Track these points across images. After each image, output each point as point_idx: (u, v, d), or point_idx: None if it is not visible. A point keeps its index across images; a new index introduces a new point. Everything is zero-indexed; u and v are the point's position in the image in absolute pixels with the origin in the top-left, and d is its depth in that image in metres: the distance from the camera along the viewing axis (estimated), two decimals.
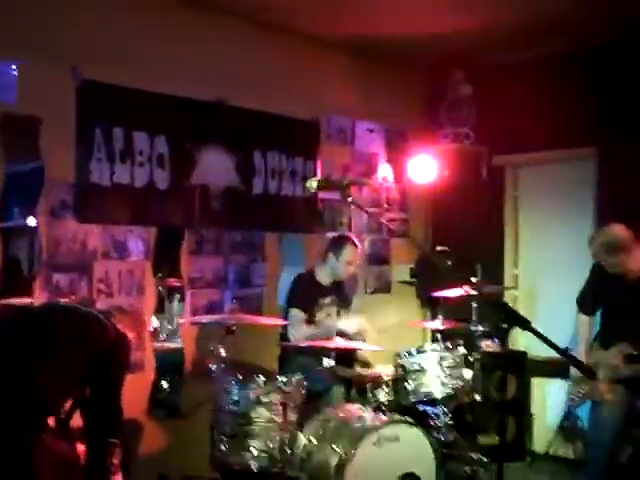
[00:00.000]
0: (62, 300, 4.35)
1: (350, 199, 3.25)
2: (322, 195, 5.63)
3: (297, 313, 5.00)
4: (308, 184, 3.38)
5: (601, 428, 4.61)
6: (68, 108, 4.45)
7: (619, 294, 4.49)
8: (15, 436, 3.17)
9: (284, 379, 4.25)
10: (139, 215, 4.78)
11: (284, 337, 5.04)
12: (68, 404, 3.68)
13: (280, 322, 4.93)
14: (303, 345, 4.74)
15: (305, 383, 4.35)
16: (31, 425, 3.26)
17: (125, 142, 4.67)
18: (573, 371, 4.62)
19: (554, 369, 5.87)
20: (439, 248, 6.42)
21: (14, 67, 4.21)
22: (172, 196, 4.90)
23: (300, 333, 4.93)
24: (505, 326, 2.86)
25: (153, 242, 4.87)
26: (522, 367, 5.97)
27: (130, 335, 3.66)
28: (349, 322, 5.05)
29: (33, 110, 4.29)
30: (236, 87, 5.12)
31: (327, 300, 5.17)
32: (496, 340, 5.65)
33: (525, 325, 2.81)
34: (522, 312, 6.36)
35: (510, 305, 2.96)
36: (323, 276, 5.19)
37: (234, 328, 4.28)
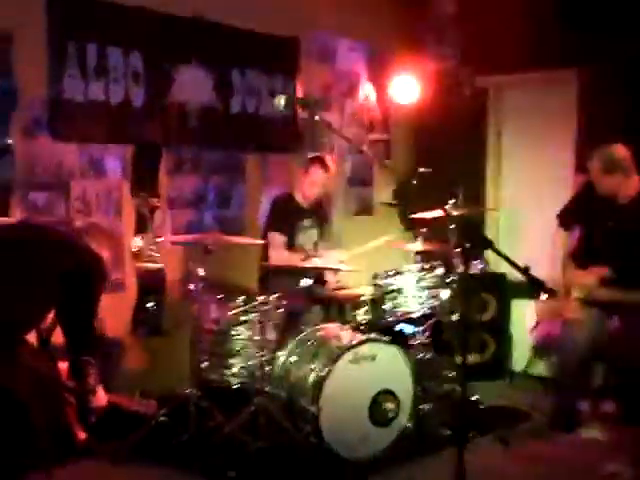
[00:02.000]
0: (35, 219, 4.31)
1: (317, 118, 3.19)
2: (302, 114, 5.54)
3: (277, 236, 4.97)
4: (276, 101, 3.32)
5: (568, 349, 4.66)
6: (39, 23, 4.33)
7: (606, 215, 4.47)
8: None
9: (263, 298, 4.28)
10: (115, 133, 4.71)
11: (265, 258, 5.03)
12: (48, 322, 3.69)
13: (257, 242, 4.87)
14: (283, 265, 4.74)
15: (284, 302, 4.38)
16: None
17: (99, 58, 4.56)
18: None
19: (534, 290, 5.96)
20: (421, 170, 6.39)
21: None
22: (149, 114, 4.82)
23: (281, 258, 4.91)
24: (469, 246, 2.88)
25: (130, 161, 4.81)
26: (502, 288, 6.01)
27: (105, 254, 3.64)
28: (330, 257, 5.03)
29: (3, 26, 4.18)
30: (214, 2, 4.98)
31: (307, 222, 5.13)
32: (475, 262, 5.69)
33: (487, 245, 2.83)
34: (505, 233, 6.44)
35: (474, 226, 2.97)
36: (301, 197, 5.14)
37: (212, 248, 4.26)
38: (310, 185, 5.04)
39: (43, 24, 4.33)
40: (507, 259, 2.79)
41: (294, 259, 4.90)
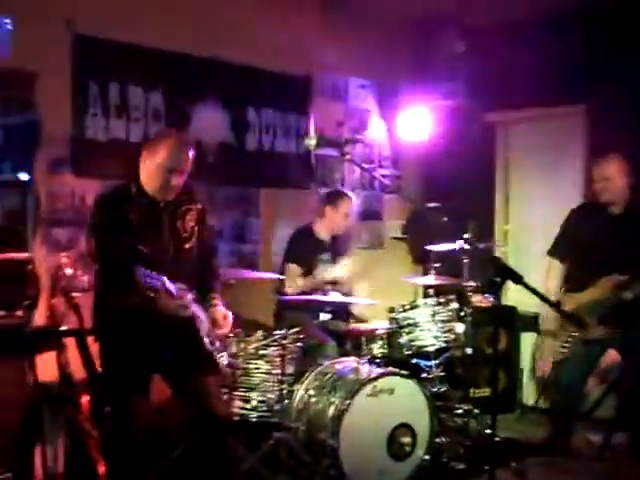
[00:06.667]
0: None
1: (348, 156, 3.26)
2: (315, 151, 5.65)
3: (293, 267, 5.03)
4: (307, 141, 3.39)
5: (558, 387, 4.75)
6: (63, 63, 4.44)
7: (604, 230, 4.53)
8: None
9: (282, 332, 4.34)
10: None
11: (280, 293, 5.08)
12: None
13: (273, 276, 4.93)
14: (299, 299, 4.79)
15: (301, 337, 4.44)
16: None
17: (120, 97, 4.67)
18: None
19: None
20: (431, 205, 6.49)
21: (7, 21, 4.18)
22: None
23: (294, 286, 4.96)
24: (498, 280, 2.91)
25: None
26: (512, 322, 6.07)
27: None
28: (337, 269, 5.07)
29: (28, 65, 4.29)
30: (231, 43, 5.11)
31: (326, 256, 5.19)
32: (487, 295, 5.74)
33: (518, 279, 2.88)
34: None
35: (502, 259, 3.01)
36: (322, 231, 5.21)
37: (231, 282, 4.32)
38: (343, 218, 5.15)
39: (67, 64, 4.44)
40: (537, 293, 2.85)
41: (308, 284, 4.97)
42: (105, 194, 3.49)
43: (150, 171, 3.43)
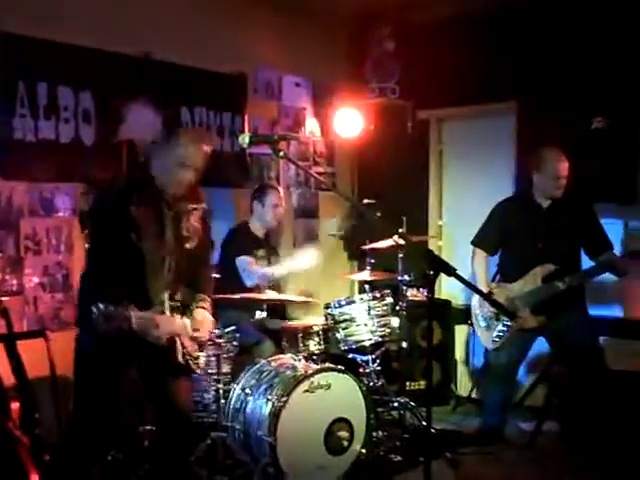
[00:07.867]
0: None
1: (282, 154, 3.25)
2: (250, 150, 5.66)
3: (246, 258, 5.01)
4: (240, 139, 3.36)
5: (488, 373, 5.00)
6: None
7: (535, 223, 4.72)
8: None
9: (217, 332, 4.33)
10: (65, 171, 4.73)
11: (217, 291, 5.06)
12: None
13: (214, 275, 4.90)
14: (234, 298, 4.78)
15: (237, 335, 4.44)
16: None
17: (49, 97, 4.59)
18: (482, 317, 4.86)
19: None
20: (366, 201, 6.55)
21: None
22: (98, 152, 4.85)
23: (262, 272, 4.95)
24: (432, 273, 2.95)
25: (80, 198, 4.83)
26: (446, 315, 6.17)
27: None
28: (302, 258, 5.04)
29: None
30: (162, 41, 5.07)
31: (261, 252, 5.21)
32: (421, 289, 5.83)
33: (451, 272, 2.93)
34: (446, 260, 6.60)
35: (435, 253, 3.05)
36: (256, 228, 5.23)
37: None
38: (272, 208, 5.15)
39: None
40: (469, 284, 2.91)
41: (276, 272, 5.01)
42: (110, 192, 3.44)
43: (163, 166, 3.42)
